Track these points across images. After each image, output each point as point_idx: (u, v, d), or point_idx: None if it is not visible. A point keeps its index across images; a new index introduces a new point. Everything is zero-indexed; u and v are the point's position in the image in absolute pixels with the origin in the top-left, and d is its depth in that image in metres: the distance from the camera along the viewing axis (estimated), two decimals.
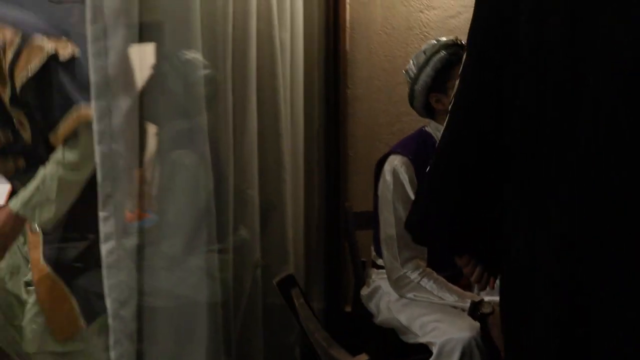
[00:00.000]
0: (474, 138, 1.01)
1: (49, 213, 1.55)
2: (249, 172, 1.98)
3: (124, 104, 1.30)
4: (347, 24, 2.51)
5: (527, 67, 0.92)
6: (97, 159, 1.28)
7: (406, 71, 1.87)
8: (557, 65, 0.90)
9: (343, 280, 2.55)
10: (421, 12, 2.44)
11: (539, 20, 0.92)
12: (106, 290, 1.33)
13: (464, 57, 1.04)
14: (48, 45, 1.51)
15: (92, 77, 1.27)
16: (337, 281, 2.55)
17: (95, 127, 1.28)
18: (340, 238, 2.49)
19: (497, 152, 0.99)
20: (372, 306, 1.97)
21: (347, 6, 2.50)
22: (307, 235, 2.43)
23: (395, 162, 1.82)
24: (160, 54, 1.78)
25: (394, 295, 1.86)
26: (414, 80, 1.84)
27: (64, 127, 1.50)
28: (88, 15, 1.25)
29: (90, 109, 1.42)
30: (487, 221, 1.06)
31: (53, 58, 1.51)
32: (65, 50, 1.54)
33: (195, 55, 1.79)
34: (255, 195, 2.02)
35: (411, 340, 1.71)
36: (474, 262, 1.15)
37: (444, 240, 1.15)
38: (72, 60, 1.55)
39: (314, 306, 2.53)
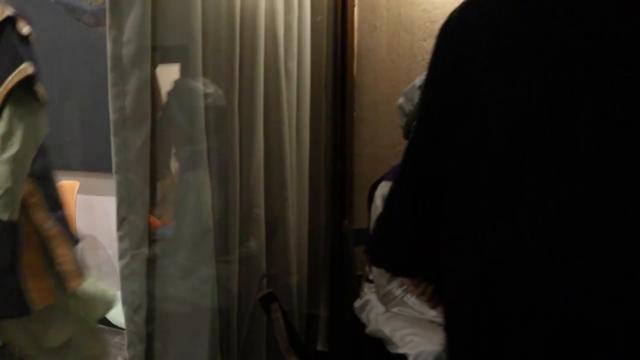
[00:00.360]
0: (433, 151, 1.11)
1: (11, 203, 1.60)
2: (256, 192, 2.17)
3: (138, 139, 1.51)
4: (355, 50, 2.67)
5: (524, 70, 0.96)
6: (115, 186, 1.49)
7: (400, 107, 2.02)
8: (557, 65, 0.93)
9: (346, 291, 2.71)
10: (424, 40, 2.58)
11: (546, 12, 0.97)
12: (122, 299, 1.54)
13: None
14: (8, 10, 1.61)
15: (111, 116, 1.47)
16: (341, 291, 2.72)
17: (113, 159, 1.49)
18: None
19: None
20: (363, 317, 2.15)
21: (355, 33, 2.67)
22: (312, 248, 2.61)
23: (386, 188, 1.99)
24: (171, 84, 1.97)
25: (381, 308, 2.04)
26: (412, 116, 1.97)
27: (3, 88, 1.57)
28: (109, 63, 1.46)
29: (31, 68, 1.53)
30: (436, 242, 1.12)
31: (10, 21, 1.60)
32: (25, 26, 1.63)
33: (204, 84, 1.98)
34: (262, 214, 2.21)
35: (393, 350, 1.88)
36: (425, 283, 1.29)
37: (397, 262, 1.28)
38: (28, 37, 1.65)
39: (320, 314, 2.74)
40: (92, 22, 3.32)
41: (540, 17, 0.99)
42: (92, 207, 3.56)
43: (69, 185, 3.45)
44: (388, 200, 1.25)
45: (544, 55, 0.95)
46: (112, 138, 1.48)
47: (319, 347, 2.79)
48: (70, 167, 3.53)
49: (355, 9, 2.65)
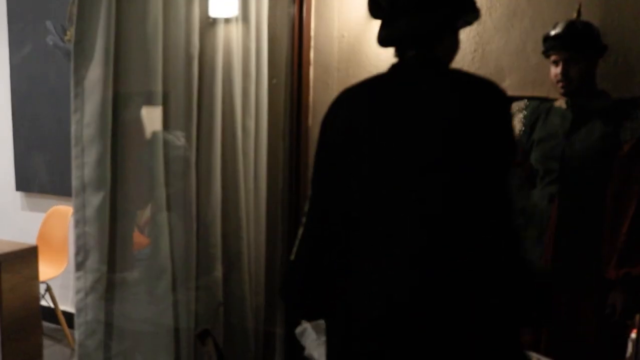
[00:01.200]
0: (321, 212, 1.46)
1: None
2: (213, 234, 2.52)
3: (95, 200, 1.87)
4: (310, 104, 3.02)
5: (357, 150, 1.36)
6: (74, 238, 1.85)
7: None
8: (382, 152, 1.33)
9: None
10: None
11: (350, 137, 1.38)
12: (75, 327, 1.89)
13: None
14: None
15: (73, 182, 1.84)
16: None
17: (73, 215, 1.85)
18: None
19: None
20: (302, 341, 2.49)
21: (311, 90, 3.02)
22: (269, 277, 2.95)
23: None
24: (135, 136, 2.30)
25: (314, 335, 2.38)
26: None
27: None
28: (72, 141, 1.82)
29: None
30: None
31: None
32: None
33: (164, 138, 2.31)
34: (218, 252, 2.56)
35: None
36: None
37: (300, 311, 1.63)
38: None
39: (276, 332, 3.07)
40: None
41: (373, 115, 1.37)
42: None
43: (64, 210, 3.84)
44: (295, 255, 1.59)
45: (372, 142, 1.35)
46: (72, 199, 1.84)
47: None
48: (66, 194, 3.92)
49: (311, 68, 3.00)
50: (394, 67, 1.44)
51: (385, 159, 1.33)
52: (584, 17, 2.27)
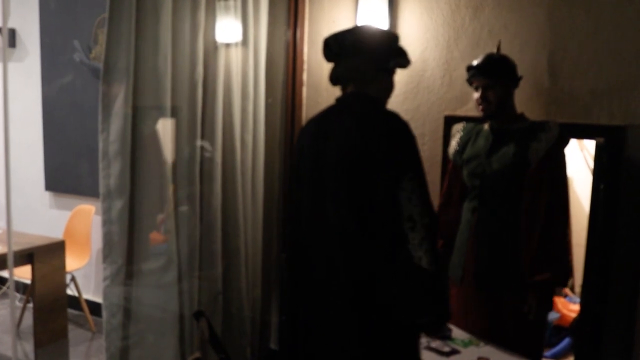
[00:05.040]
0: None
1: None
2: (214, 233, 2.95)
3: (119, 204, 2.30)
4: (303, 121, 3.45)
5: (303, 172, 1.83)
6: (102, 235, 2.29)
7: None
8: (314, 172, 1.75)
9: None
10: None
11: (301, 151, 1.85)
12: (103, 307, 2.33)
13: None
14: None
15: (100, 190, 2.27)
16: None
17: (102, 217, 2.29)
18: None
19: None
20: None
21: (304, 108, 3.45)
22: (265, 270, 3.39)
23: None
24: (147, 155, 2.73)
25: None
26: None
27: None
28: (100, 156, 2.26)
29: None
30: None
31: None
32: None
33: (175, 148, 2.73)
34: (218, 248, 2.99)
35: None
36: None
37: None
38: None
39: (272, 320, 3.51)
40: None
41: (315, 139, 1.78)
42: None
43: (87, 209, 4.30)
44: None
45: (312, 164, 1.75)
46: (100, 204, 2.28)
47: (271, 346, 3.57)
48: (88, 194, 4.40)
49: (304, 88, 3.43)
50: (336, 101, 1.81)
51: (313, 175, 1.75)
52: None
